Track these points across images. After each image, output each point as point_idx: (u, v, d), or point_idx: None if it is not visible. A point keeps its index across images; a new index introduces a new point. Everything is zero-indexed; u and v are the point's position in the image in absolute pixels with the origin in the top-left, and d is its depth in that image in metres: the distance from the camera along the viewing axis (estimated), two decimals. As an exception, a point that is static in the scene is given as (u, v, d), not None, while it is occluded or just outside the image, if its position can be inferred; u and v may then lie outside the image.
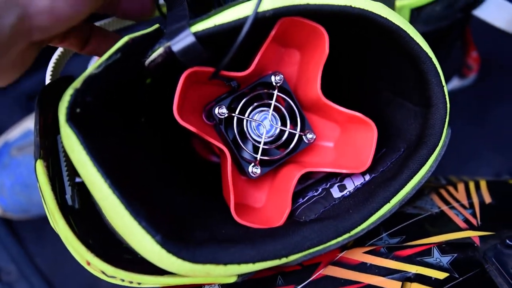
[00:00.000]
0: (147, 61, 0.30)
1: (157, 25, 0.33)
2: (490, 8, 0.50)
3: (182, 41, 0.28)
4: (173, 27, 0.29)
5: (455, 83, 0.68)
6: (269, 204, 0.38)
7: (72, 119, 0.26)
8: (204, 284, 0.33)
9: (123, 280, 0.30)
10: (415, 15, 0.49)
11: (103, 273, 0.30)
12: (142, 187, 0.31)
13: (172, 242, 0.27)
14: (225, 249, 0.28)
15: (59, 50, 0.37)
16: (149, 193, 0.31)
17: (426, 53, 0.33)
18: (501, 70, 0.87)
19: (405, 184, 0.33)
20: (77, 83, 0.27)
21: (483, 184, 0.42)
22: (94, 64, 0.28)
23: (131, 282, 0.31)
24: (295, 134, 0.38)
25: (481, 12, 0.51)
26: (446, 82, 0.65)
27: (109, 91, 0.30)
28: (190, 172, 0.43)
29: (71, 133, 0.26)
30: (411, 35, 0.32)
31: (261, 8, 0.29)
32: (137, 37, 0.30)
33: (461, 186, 0.42)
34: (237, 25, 0.29)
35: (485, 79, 0.85)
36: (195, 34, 0.29)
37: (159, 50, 0.29)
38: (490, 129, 0.84)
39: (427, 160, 0.33)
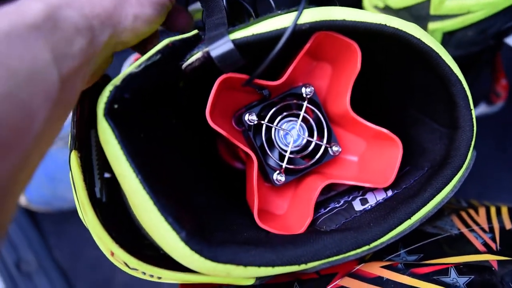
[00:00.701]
0: (185, 64, 0.31)
1: (195, 31, 0.34)
2: (523, 37, 0.50)
3: (220, 47, 0.30)
4: (212, 34, 0.31)
5: (482, 109, 0.68)
6: (290, 212, 0.38)
7: (109, 113, 0.27)
8: (222, 285, 0.34)
9: (144, 273, 0.31)
10: (447, 39, 0.50)
11: (126, 264, 0.31)
12: (171, 185, 0.32)
13: (195, 240, 0.28)
14: (246, 250, 0.29)
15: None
16: (177, 191, 0.32)
17: (457, 76, 0.33)
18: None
19: (427, 202, 0.33)
20: (117, 80, 0.28)
21: (504, 210, 0.42)
22: (135, 63, 0.29)
23: (151, 276, 0.31)
24: (321, 145, 0.38)
25: (513, 40, 0.51)
26: (474, 106, 0.65)
27: (147, 91, 0.31)
28: (216, 176, 0.44)
29: (107, 127, 0.27)
30: (443, 57, 0.33)
31: (299, 21, 0.30)
32: (177, 40, 0.31)
33: (482, 210, 0.42)
34: (274, 36, 0.30)
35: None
36: (233, 41, 0.30)
37: (198, 54, 0.30)
38: (515, 159, 0.84)
39: (451, 180, 0.34)
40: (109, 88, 0.28)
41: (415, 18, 0.48)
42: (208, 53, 0.30)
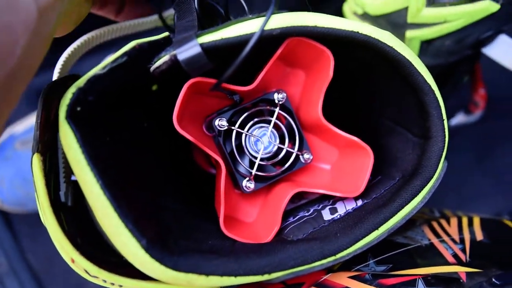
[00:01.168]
0: (153, 67, 0.31)
1: (166, 33, 0.34)
2: (500, 47, 0.50)
3: (188, 51, 0.29)
4: (180, 37, 0.30)
5: (461, 118, 0.68)
6: (259, 219, 0.38)
7: (71, 116, 0.27)
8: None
9: (105, 281, 0.31)
10: (425, 47, 0.50)
11: (86, 272, 0.30)
12: (136, 190, 0.31)
13: (156, 248, 0.27)
14: (208, 260, 0.29)
15: (70, 48, 0.38)
16: (142, 196, 0.32)
17: (429, 86, 0.33)
18: (508, 111, 0.87)
19: (396, 213, 0.33)
20: (80, 82, 0.28)
21: (476, 221, 0.42)
22: (100, 65, 0.29)
23: (113, 284, 0.31)
24: (292, 153, 0.38)
25: (490, 51, 0.51)
26: (452, 116, 0.65)
27: (113, 93, 0.30)
28: (187, 181, 0.44)
29: (69, 130, 0.26)
30: (416, 66, 0.32)
31: (269, 26, 0.30)
32: (145, 43, 0.31)
33: (454, 221, 0.42)
34: (243, 40, 0.29)
35: (493, 118, 0.85)
36: (201, 45, 0.29)
37: (165, 58, 0.30)
38: (494, 169, 0.84)
39: (420, 191, 0.33)
40: (71, 90, 0.27)
41: (392, 25, 0.48)
42: (175, 56, 0.29)
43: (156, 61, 0.30)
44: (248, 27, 0.29)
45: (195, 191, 0.43)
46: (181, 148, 0.46)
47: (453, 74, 0.58)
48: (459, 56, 0.52)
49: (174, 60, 0.29)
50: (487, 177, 0.84)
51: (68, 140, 0.27)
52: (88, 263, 0.29)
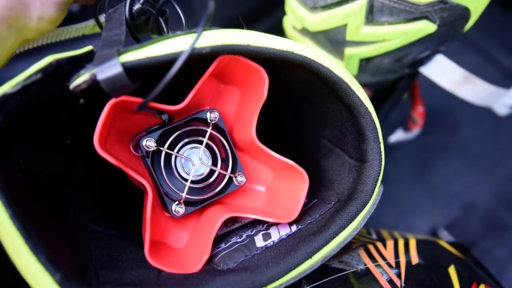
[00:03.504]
0: (72, 86, 0.28)
1: (89, 47, 0.31)
2: (436, 67, 0.50)
3: (107, 70, 0.26)
4: (102, 53, 0.28)
5: (399, 135, 0.68)
6: (189, 245, 0.36)
7: (-23, 139, 0.24)
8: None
9: None
10: (364, 65, 0.49)
11: None
12: (50, 217, 0.29)
13: (72, 283, 0.25)
14: None
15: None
16: (57, 224, 0.29)
17: (366, 107, 0.32)
18: (444, 127, 0.90)
19: (330, 241, 0.32)
20: None
21: (412, 243, 0.42)
22: (11, 81, 0.26)
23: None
24: (225, 175, 0.36)
25: (427, 70, 0.51)
26: (390, 133, 0.65)
27: (26, 112, 0.27)
28: (116, 203, 0.41)
29: (-28, 156, 0.24)
30: (353, 88, 0.32)
31: (199, 44, 0.28)
32: (63, 59, 0.28)
33: (390, 244, 0.41)
34: (170, 59, 0.27)
35: (431, 132, 0.87)
36: (124, 64, 0.27)
37: (84, 76, 0.27)
38: (430, 183, 0.86)
39: (355, 217, 0.32)
40: None
41: (332, 42, 0.47)
42: (94, 75, 0.27)
43: (75, 79, 0.28)
44: (176, 45, 0.27)
45: (124, 214, 0.41)
46: (113, 166, 0.43)
47: (392, 91, 0.58)
48: (397, 75, 0.52)
49: (94, 80, 0.27)
50: (424, 191, 0.85)
51: (-27, 166, 0.24)
52: None
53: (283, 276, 0.30)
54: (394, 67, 0.50)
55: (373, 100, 0.53)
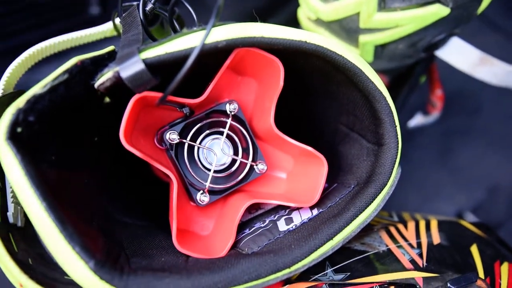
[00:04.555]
0: (96, 84, 0.30)
1: (111, 47, 0.33)
2: (452, 50, 0.51)
3: (130, 67, 0.28)
4: (123, 52, 0.29)
5: (419, 119, 0.68)
6: (215, 232, 0.37)
7: (12, 138, 0.26)
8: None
9: None
10: (379, 52, 0.50)
11: None
12: (85, 208, 0.31)
13: (105, 269, 0.27)
14: (159, 278, 0.28)
15: (14, 63, 0.37)
16: (92, 215, 0.31)
17: (381, 92, 0.33)
18: (466, 110, 0.89)
19: (350, 222, 0.33)
20: (20, 102, 0.27)
21: (433, 224, 0.42)
22: (40, 83, 0.28)
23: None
24: (246, 164, 0.37)
25: (443, 53, 0.52)
26: (410, 117, 0.66)
27: (55, 112, 0.29)
28: (143, 195, 0.43)
29: (9, 152, 0.26)
30: (367, 73, 0.32)
31: (214, 38, 0.29)
32: (87, 59, 0.30)
33: (411, 225, 0.42)
34: (187, 54, 0.28)
35: (451, 115, 0.87)
36: (144, 60, 0.28)
37: (108, 74, 0.29)
38: (454, 167, 0.86)
39: (374, 199, 0.33)
40: (11, 111, 0.26)
41: (346, 31, 0.48)
42: (118, 73, 0.28)
43: (100, 77, 0.29)
44: (192, 40, 0.29)
45: (151, 205, 0.42)
46: (138, 160, 0.45)
47: (410, 76, 0.59)
48: (413, 59, 0.53)
49: (117, 77, 0.29)
50: (448, 175, 0.85)
51: (9, 163, 0.26)
52: (35, 286, 0.28)
53: (305, 257, 0.31)
54: (410, 52, 0.50)
55: (390, 87, 0.54)
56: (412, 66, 0.57)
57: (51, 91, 0.28)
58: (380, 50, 0.49)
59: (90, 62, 0.30)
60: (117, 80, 0.29)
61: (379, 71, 0.34)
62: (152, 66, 0.29)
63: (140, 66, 0.28)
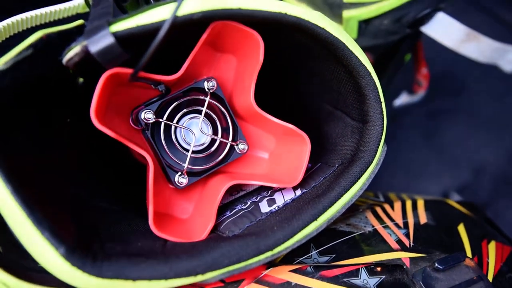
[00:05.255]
0: (64, 60, 0.28)
1: (80, 21, 0.31)
2: (438, 26, 0.50)
3: (100, 41, 0.26)
4: (92, 25, 0.27)
5: (404, 98, 0.68)
6: (195, 215, 0.36)
7: (-28, 117, 0.24)
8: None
9: None
10: (363, 28, 0.49)
11: (5, 285, 0.28)
12: (53, 193, 0.29)
13: (77, 255, 0.25)
14: (135, 264, 0.27)
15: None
16: (60, 199, 0.29)
17: (365, 67, 0.32)
18: (451, 91, 0.89)
19: (335, 202, 0.31)
20: None
21: (420, 203, 0.42)
22: (1, 59, 0.26)
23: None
24: (226, 144, 0.36)
25: (429, 29, 0.51)
26: (395, 96, 0.65)
27: (19, 90, 0.27)
28: (120, 178, 0.41)
29: (-31, 133, 0.24)
30: (350, 47, 0.31)
31: (189, 10, 0.27)
32: (53, 33, 0.28)
33: (397, 205, 0.41)
34: (160, 27, 0.27)
35: (438, 98, 0.86)
36: (114, 34, 0.27)
37: (76, 49, 0.27)
38: (439, 147, 0.86)
39: (359, 178, 0.32)
40: None
41: (329, 6, 0.47)
42: (86, 47, 0.27)
43: (67, 52, 0.28)
44: (164, 12, 0.27)
45: (129, 189, 0.41)
46: (115, 142, 0.43)
47: (395, 54, 0.58)
48: (398, 36, 0.52)
49: (86, 51, 0.27)
50: (434, 155, 0.85)
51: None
52: (6, 275, 0.27)
53: (288, 239, 0.30)
54: (395, 28, 0.49)
55: (375, 65, 0.53)
56: (398, 43, 0.56)
57: (13, 68, 0.26)
58: (364, 26, 0.48)
59: (57, 36, 0.28)
60: (86, 55, 0.27)
61: (364, 49, 0.33)
62: (123, 40, 0.27)
63: (110, 39, 0.26)
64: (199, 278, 0.28)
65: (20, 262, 0.30)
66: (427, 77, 0.63)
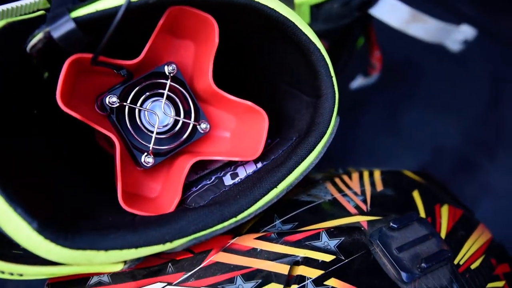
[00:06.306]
0: (28, 47, 0.30)
1: (42, 12, 0.32)
2: (384, 7, 0.52)
3: (61, 27, 0.28)
4: (54, 12, 0.29)
5: (360, 81, 0.70)
6: (163, 193, 0.38)
7: None
8: (92, 275, 0.33)
9: (3, 272, 0.30)
10: (315, 12, 0.51)
11: None
12: (22, 172, 0.30)
13: (50, 229, 0.26)
14: (106, 235, 0.28)
15: None
16: (30, 179, 0.31)
17: (314, 44, 0.34)
18: (409, 77, 0.93)
19: (293, 170, 0.33)
20: None
21: (377, 173, 0.44)
22: None
23: (11, 274, 0.30)
24: (189, 124, 0.38)
25: (377, 11, 0.53)
26: (352, 79, 0.67)
27: None
28: (86, 163, 0.43)
29: None
30: (299, 26, 0.33)
31: None
32: (16, 21, 0.29)
33: (355, 175, 0.43)
34: (117, 11, 0.28)
35: (396, 84, 0.90)
36: (75, 19, 0.28)
37: (39, 35, 0.29)
38: (400, 131, 0.89)
39: (315, 147, 0.34)
40: None
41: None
42: (49, 33, 0.28)
43: (31, 39, 0.29)
44: None
45: (96, 173, 0.42)
46: (82, 132, 0.44)
47: (348, 39, 0.60)
48: (349, 19, 0.54)
49: (48, 37, 0.28)
50: (395, 139, 0.88)
51: None
52: None
53: (251, 206, 0.32)
54: (345, 12, 0.51)
55: (330, 51, 0.55)
56: (349, 28, 0.58)
57: None
58: (316, 11, 0.50)
59: (20, 25, 0.30)
60: (48, 41, 0.28)
61: (318, 35, 0.35)
62: (84, 25, 0.29)
63: (71, 25, 0.28)
64: (167, 246, 0.30)
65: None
66: (380, 59, 0.66)
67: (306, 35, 0.33)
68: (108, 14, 0.29)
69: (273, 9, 0.32)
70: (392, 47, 0.78)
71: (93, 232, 0.28)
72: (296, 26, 0.33)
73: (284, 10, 0.33)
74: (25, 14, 0.40)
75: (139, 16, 0.30)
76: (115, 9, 0.29)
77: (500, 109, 0.94)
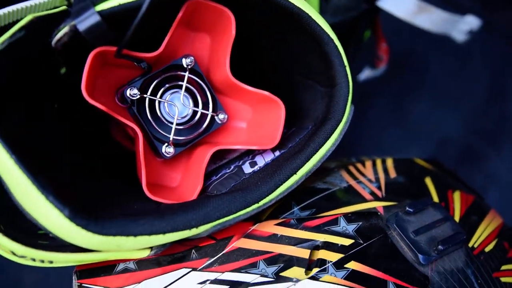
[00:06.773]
0: (54, 41, 0.30)
1: (64, 7, 0.33)
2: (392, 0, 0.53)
3: (87, 20, 0.29)
4: (78, 6, 0.30)
5: (368, 73, 0.71)
6: (183, 183, 0.39)
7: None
8: (119, 261, 0.34)
9: (34, 260, 0.30)
10: (324, 6, 0.52)
11: (13, 253, 0.30)
12: (51, 166, 0.31)
13: (81, 216, 0.27)
14: (134, 221, 0.29)
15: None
16: (59, 169, 0.31)
17: (328, 35, 0.35)
18: (414, 69, 0.93)
19: (311, 157, 0.34)
20: None
21: (389, 161, 0.45)
22: None
23: (42, 261, 0.30)
24: (207, 114, 0.39)
25: (384, 3, 0.54)
26: (359, 72, 0.68)
27: (13, 70, 0.29)
28: (106, 157, 0.43)
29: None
30: (313, 17, 0.34)
31: None
32: (42, 16, 0.30)
33: (368, 163, 0.44)
34: (140, 4, 0.29)
35: (401, 77, 0.91)
36: (100, 12, 0.29)
37: (65, 29, 0.29)
38: (407, 123, 0.90)
39: (331, 134, 0.35)
40: None
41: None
42: (75, 26, 0.29)
43: (56, 33, 0.30)
44: None
45: (116, 166, 0.43)
46: (97, 127, 0.45)
47: (355, 32, 0.61)
48: (357, 12, 0.55)
49: (74, 31, 0.29)
50: (403, 132, 0.89)
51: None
52: (13, 243, 0.29)
53: (272, 192, 0.33)
54: (352, 4, 0.52)
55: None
56: (357, 20, 0.59)
57: (9, 49, 0.28)
58: (325, 4, 0.51)
59: (45, 19, 0.30)
60: (74, 34, 0.29)
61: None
62: (108, 18, 0.30)
63: (96, 18, 0.29)
64: (193, 232, 0.31)
65: (25, 239, 0.31)
66: (387, 51, 0.67)
67: (320, 26, 0.34)
68: (131, 8, 0.30)
69: (288, 1, 0.33)
70: (397, 41, 0.79)
71: (122, 218, 0.29)
72: (310, 17, 0.34)
73: (298, 1, 0.33)
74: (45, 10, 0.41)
75: (159, 9, 0.31)
76: (138, 3, 0.30)
77: (506, 102, 0.95)
